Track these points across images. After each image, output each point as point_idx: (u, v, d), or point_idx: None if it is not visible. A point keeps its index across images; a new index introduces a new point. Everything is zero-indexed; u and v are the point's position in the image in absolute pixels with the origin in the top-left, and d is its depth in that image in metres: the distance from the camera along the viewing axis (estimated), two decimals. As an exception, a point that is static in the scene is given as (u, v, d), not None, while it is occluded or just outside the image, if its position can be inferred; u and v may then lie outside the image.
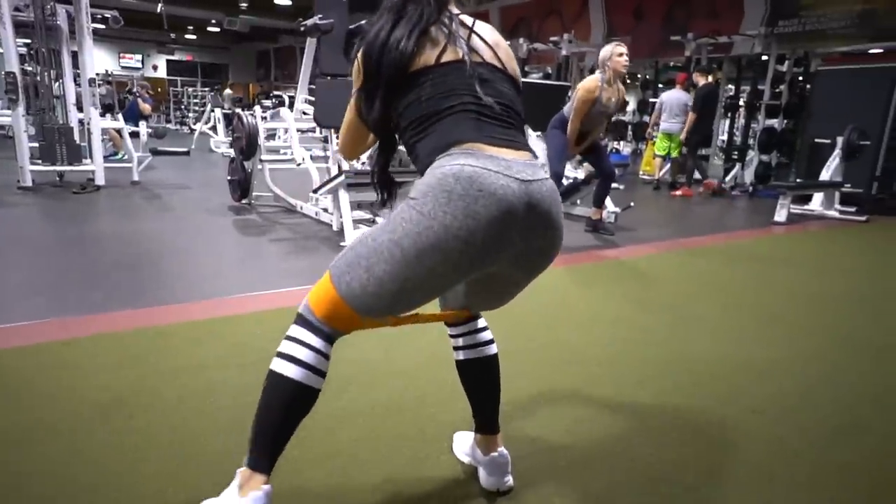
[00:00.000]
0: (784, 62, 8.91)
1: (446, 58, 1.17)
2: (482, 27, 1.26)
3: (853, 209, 6.70)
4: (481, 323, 1.48)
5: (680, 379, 2.16)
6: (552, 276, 3.49)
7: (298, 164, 4.89)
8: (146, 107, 10.11)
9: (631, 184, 8.97)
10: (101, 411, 1.75)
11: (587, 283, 3.50)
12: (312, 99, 4.90)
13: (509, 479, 1.45)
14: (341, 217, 4.23)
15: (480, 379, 1.47)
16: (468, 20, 1.25)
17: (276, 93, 16.93)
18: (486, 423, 1.46)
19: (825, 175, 6.88)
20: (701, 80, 8.13)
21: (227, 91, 16.53)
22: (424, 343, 2.32)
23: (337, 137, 4.92)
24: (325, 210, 4.79)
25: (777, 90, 9.03)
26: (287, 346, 1.20)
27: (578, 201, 5.98)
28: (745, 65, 10.13)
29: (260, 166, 5.40)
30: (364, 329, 1.26)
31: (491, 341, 1.47)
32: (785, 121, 8.99)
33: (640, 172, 10.54)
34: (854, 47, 9.39)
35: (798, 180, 7.24)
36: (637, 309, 2.98)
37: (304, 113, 5.33)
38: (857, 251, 4.86)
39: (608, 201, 5.59)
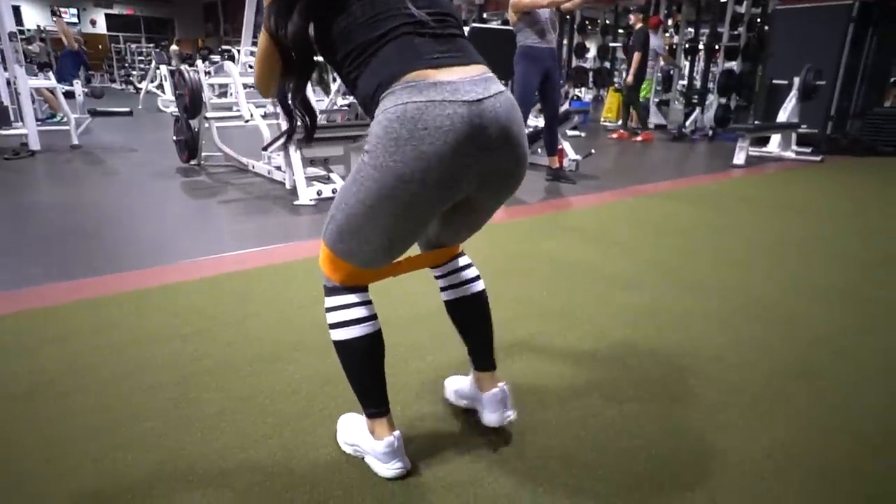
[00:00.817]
0: (743, 2, 8.83)
1: None
2: None
3: (809, 150, 6.77)
4: (464, 261, 1.48)
5: (642, 329, 2.13)
6: (512, 227, 3.44)
7: (247, 121, 4.66)
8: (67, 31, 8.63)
9: (593, 131, 8.90)
10: (28, 393, 1.62)
11: (547, 232, 3.45)
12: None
13: (510, 413, 1.45)
14: (294, 175, 4.06)
15: (469, 316, 1.47)
16: None
17: (224, 47, 16.16)
18: (483, 359, 1.47)
19: (782, 116, 6.91)
20: (638, 23, 7.99)
21: (174, 47, 15.72)
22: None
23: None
24: (278, 168, 4.60)
25: (736, 32, 8.97)
26: (334, 316, 1.27)
27: (539, 150, 5.88)
28: (705, 6, 10.02)
29: (207, 125, 5.14)
30: (379, 280, 1.30)
31: (476, 278, 1.47)
32: (744, 63, 8.97)
33: (602, 119, 10.48)
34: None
35: (756, 122, 7.26)
36: (597, 257, 2.94)
37: (251, 67, 5.05)
38: (813, 193, 4.91)
39: (569, 149, 5.52)
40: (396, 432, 1.31)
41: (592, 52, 13.19)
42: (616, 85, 10.77)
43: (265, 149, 4.46)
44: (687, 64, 10.64)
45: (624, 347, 1.98)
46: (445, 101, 1.03)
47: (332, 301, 1.28)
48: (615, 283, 2.58)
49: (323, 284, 1.30)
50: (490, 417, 1.45)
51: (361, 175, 1.09)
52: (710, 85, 9.30)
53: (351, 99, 6.91)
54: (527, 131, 5.07)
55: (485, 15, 12.45)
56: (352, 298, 1.27)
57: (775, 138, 6.85)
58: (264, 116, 5.01)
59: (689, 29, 10.45)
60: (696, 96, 9.42)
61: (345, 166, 4.40)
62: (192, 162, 5.27)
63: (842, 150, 7.09)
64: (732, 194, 4.71)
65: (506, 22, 12.90)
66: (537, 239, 3.29)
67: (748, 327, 2.16)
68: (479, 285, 1.47)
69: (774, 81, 7.59)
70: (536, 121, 5.77)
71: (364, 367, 1.30)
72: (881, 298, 2.48)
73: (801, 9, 7.67)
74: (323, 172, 4.36)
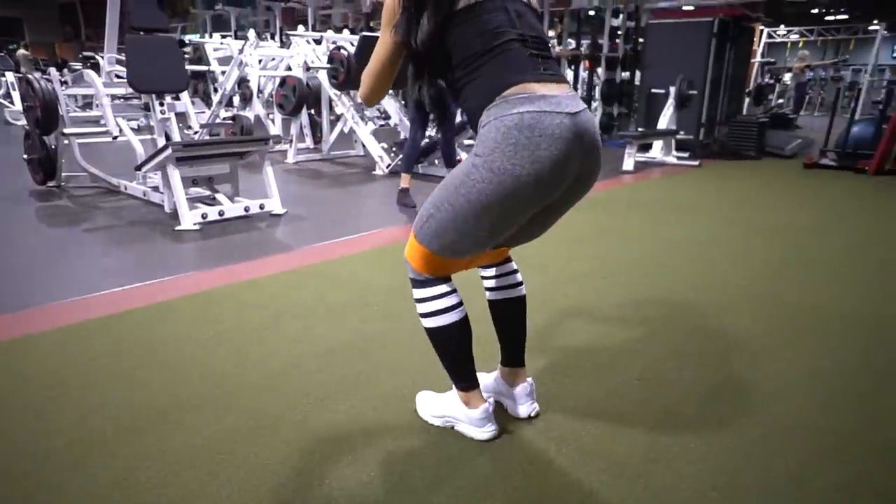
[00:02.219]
0: (619, 16, 9.29)
1: None
2: None
3: (687, 155, 7.20)
4: (513, 266, 1.65)
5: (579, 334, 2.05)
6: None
7: (115, 138, 4.16)
8: None
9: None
10: None
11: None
12: (123, 58, 4.15)
13: (536, 405, 1.66)
14: (174, 197, 3.65)
15: (511, 316, 1.63)
16: None
17: (86, 53, 14.75)
18: (515, 357, 1.65)
19: (662, 124, 7.30)
20: None
21: (22, 52, 14.12)
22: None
23: (160, 104, 4.26)
24: (156, 189, 4.14)
25: (615, 43, 9.42)
26: (428, 306, 1.43)
27: (437, 161, 5.80)
28: (584, 19, 10.47)
29: (66, 141, 4.54)
30: (457, 271, 1.45)
31: (521, 283, 1.64)
32: (623, 73, 9.45)
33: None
34: (671, 4, 10.07)
35: (640, 129, 7.62)
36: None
37: (118, 76, 4.54)
38: (696, 194, 5.18)
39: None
40: (491, 399, 1.56)
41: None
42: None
43: (139, 168, 4.00)
44: (571, 74, 11.04)
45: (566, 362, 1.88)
46: (554, 112, 1.21)
47: (423, 292, 1.44)
48: (533, 300, 2.49)
49: (411, 278, 1.46)
50: (521, 409, 1.64)
51: (473, 177, 1.24)
52: (594, 94, 9.70)
53: (235, 111, 6.49)
54: (423, 143, 4.99)
55: (372, 24, 12.26)
56: (443, 288, 1.43)
57: (657, 144, 7.23)
58: (136, 131, 4.51)
59: (571, 41, 10.86)
60: (581, 105, 9.75)
61: (232, 185, 4.04)
62: (50, 184, 4.65)
63: (714, 154, 7.62)
64: (628, 200, 4.85)
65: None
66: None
67: (635, 330, 2.15)
68: (524, 289, 1.65)
69: (653, 90, 8.02)
70: (433, 130, 5.67)
71: (458, 348, 1.47)
72: (771, 294, 2.57)
73: (670, 24, 8.19)
74: (207, 193, 3.98)
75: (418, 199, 4.39)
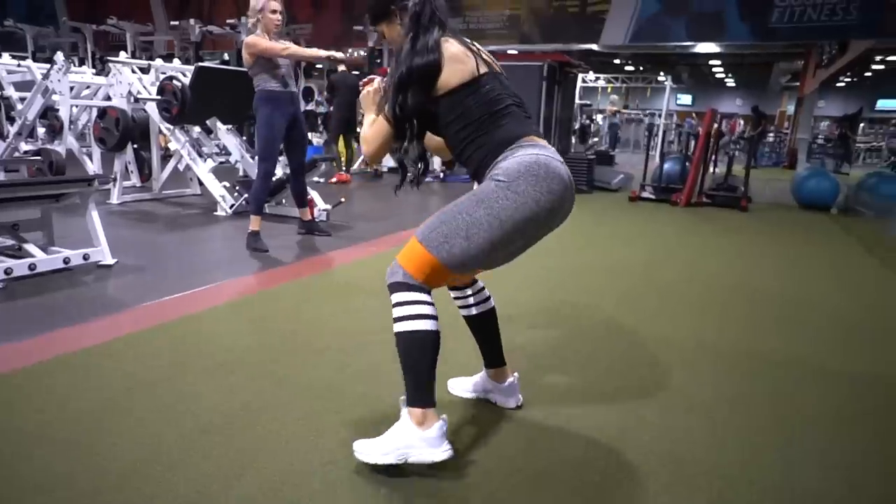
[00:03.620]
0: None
1: (482, 70, 1.56)
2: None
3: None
4: (482, 283, 1.87)
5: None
6: (278, 296, 2.98)
7: None
8: None
9: (329, 176, 8.71)
10: None
11: (320, 297, 3.09)
12: None
13: (520, 397, 1.94)
14: (-36, 251, 2.97)
15: (490, 326, 1.87)
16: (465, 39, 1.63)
17: None
18: (498, 358, 1.90)
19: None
20: (340, 67, 8.55)
21: None
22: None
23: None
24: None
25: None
26: (407, 309, 1.50)
27: (284, 201, 5.48)
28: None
29: None
30: (440, 286, 1.60)
31: (490, 296, 1.88)
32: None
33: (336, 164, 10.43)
34: (505, 46, 10.78)
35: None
36: (373, 321, 2.70)
37: None
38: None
39: (318, 199, 5.23)
40: (444, 416, 1.55)
41: (320, 97, 13.16)
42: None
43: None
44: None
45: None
46: (556, 159, 1.53)
47: (405, 296, 1.51)
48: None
49: (395, 281, 1.54)
50: (508, 402, 1.92)
51: (496, 195, 1.46)
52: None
53: (40, 145, 5.60)
54: (273, 180, 4.67)
55: (200, 53, 11.52)
56: (424, 297, 1.52)
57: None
58: None
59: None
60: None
61: (45, 233, 3.41)
62: None
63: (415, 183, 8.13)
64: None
65: (225, 62, 12.14)
66: (313, 307, 2.91)
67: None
68: (493, 302, 1.88)
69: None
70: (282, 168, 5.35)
71: (427, 358, 1.51)
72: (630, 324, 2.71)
73: (505, 66, 8.69)
74: (12, 242, 3.31)
75: (270, 241, 4.07)
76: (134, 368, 2.13)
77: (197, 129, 5.98)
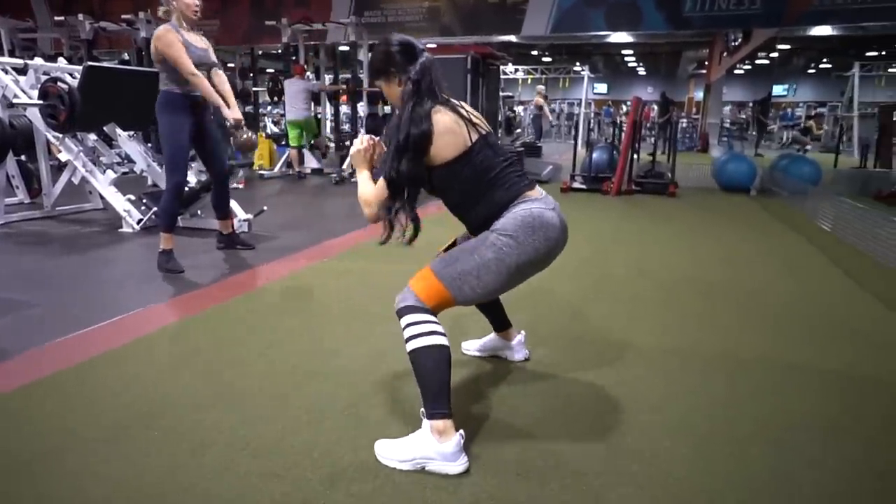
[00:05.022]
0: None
1: (474, 137, 1.71)
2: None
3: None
4: None
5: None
6: (205, 324, 2.55)
7: None
8: None
9: (250, 183, 8.19)
10: None
11: (242, 323, 2.72)
12: None
13: (527, 350, 2.29)
14: None
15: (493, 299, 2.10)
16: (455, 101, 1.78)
17: None
18: (504, 321, 2.24)
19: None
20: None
21: None
22: None
23: None
24: None
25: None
26: (419, 328, 1.64)
27: (200, 211, 5.00)
28: (340, 55, 10.35)
29: None
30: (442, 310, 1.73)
31: None
32: (385, 107, 9.48)
33: (256, 167, 9.85)
34: (425, 39, 10.52)
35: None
36: (314, 348, 2.39)
37: None
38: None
39: (238, 208, 4.79)
40: (461, 432, 1.61)
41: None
42: (267, 132, 10.31)
43: None
44: (331, 109, 10.79)
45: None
46: (550, 210, 1.74)
47: (416, 318, 1.66)
48: (373, 377, 2.06)
49: (406, 305, 1.68)
50: (518, 355, 2.26)
51: (501, 243, 1.67)
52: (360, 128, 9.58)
53: None
54: (187, 189, 4.21)
55: (95, 52, 10.56)
56: (434, 318, 1.68)
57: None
58: None
59: (329, 75, 10.65)
60: (348, 140, 9.57)
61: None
62: None
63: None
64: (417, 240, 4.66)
65: (124, 62, 11.22)
66: (241, 336, 2.55)
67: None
68: None
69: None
70: (195, 176, 4.87)
71: (441, 371, 1.62)
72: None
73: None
74: None
75: (186, 260, 3.63)
76: (7, 443, 1.72)
77: (93, 136, 5.36)
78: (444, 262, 1.72)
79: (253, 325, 2.69)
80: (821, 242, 4.63)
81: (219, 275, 3.58)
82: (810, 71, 26.45)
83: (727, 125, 18.12)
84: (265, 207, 5.01)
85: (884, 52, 21.10)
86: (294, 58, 9.71)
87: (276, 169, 9.34)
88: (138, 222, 4.69)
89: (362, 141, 1.84)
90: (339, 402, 1.97)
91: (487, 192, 1.72)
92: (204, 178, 4.79)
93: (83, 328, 2.59)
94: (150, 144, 5.73)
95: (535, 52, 23.00)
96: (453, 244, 1.91)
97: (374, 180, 1.77)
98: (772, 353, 2.46)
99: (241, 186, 7.50)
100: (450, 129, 1.67)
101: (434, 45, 10.11)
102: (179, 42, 3.44)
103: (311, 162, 9.77)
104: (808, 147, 14.05)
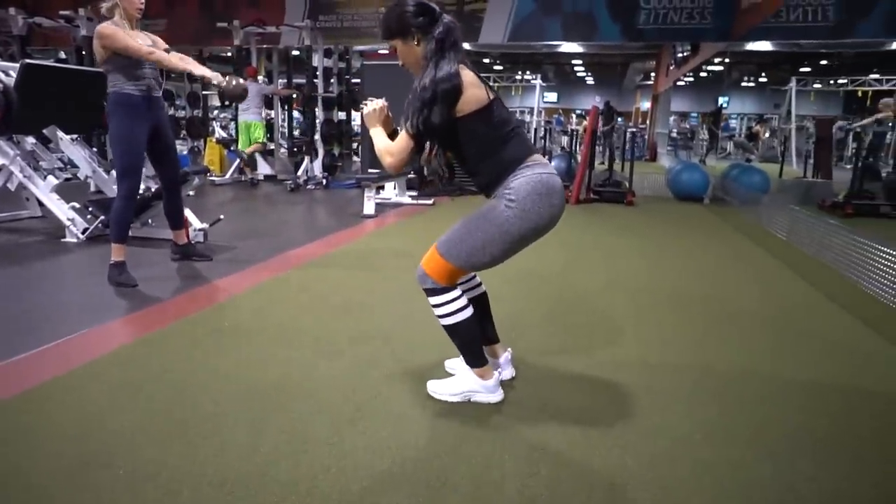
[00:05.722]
0: (331, 56, 9.13)
1: (491, 95, 1.84)
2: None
3: (416, 194, 7.29)
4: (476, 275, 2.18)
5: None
6: (161, 344, 2.32)
7: None
8: None
9: (202, 189, 7.84)
10: None
11: (204, 345, 2.53)
12: None
13: (514, 370, 2.26)
14: None
15: (485, 306, 2.17)
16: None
17: None
18: (493, 335, 2.22)
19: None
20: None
21: None
22: None
23: None
24: None
25: (330, 83, 9.21)
26: (448, 307, 1.89)
27: (151, 220, 4.73)
28: (294, 60, 10.07)
29: None
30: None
31: (482, 283, 2.19)
32: (341, 113, 9.29)
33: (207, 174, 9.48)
34: (382, 45, 10.38)
35: (372, 171, 7.49)
36: (298, 370, 2.24)
37: None
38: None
39: (193, 217, 4.55)
40: (498, 369, 2.07)
41: (181, 101, 11.95)
42: (217, 136, 9.95)
43: None
44: (286, 113, 10.52)
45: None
46: (554, 175, 1.88)
47: (441, 298, 1.89)
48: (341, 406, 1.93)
49: (430, 287, 1.90)
50: (507, 373, 2.21)
51: (506, 214, 1.80)
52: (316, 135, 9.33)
53: None
54: (138, 198, 3.94)
55: (28, 48, 9.94)
56: (456, 292, 1.91)
57: (389, 185, 7.17)
58: None
59: (283, 80, 10.36)
60: (303, 146, 9.32)
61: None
62: None
63: (440, 192, 7.88)
64: (384, 249, 4.55)
65: (62, 61, 10.63)
66: (203, 359, 2.37)
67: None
68: (484, 287, 2.19)
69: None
70: (145, 182, 4.59)
71: (474, 334, 1.97)
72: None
73: (385, 65, 8.31)
74: None
75: (140, 272, 3.39)
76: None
77: (31, 139, 5.00)
78: (450, 243, 1.86)
79: (217, 345, 2.51)
80: (779, 252, 4.75)
81: (176, 289, 3.36)
82: (749, 84, 27.63)
83: (674, 135, 18.73)
84: (221, 216, 4.77)
85: (810, 70, 22.28)
86: (248, 62, 9.41)
87: (228, 175, 9.02)
88: (83, 232, 4.39)
89: (375, 101, 1.98)
90: (320, 427, 1.83)
91: (501, 147, 1.85)
92: (155, 185, 4.52)
93: (24, 352, 2.34)
94: (94, 149, 5.39)
95: (486, 61, 23.16)
96: (394, 132, 1.98)
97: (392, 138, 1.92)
98: (750, 365, 2.46)
99: (191, 194, 7.19)
100: (475, 83, 1.80)
101: (385, 51, 10.00)
102: (124, 32, 3.22)
103: (263, 168, 9.48)
104: (753, 156, 14.61)
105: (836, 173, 10.02)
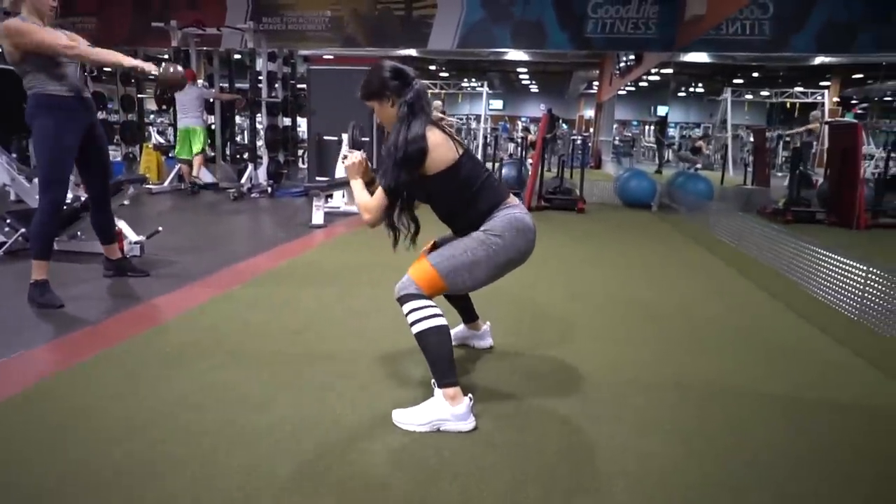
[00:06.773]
0: (275, 60, 8.81)
1: (460, 151, 2.00)
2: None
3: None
4: None
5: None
6: (91, 378, 2.07)
7: None
8: None
9: (138, 198, 7.40)
10: None
11: (141, 375, 2.29)
12: None
13: (491, 340, 2.60)
14: None
15: (464, 297, 2.46)
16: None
17: None
18: (473, 314, 2.53)
19: (340, 172, 7.05)
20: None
21: None
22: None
23: None
24: None
25: (275, 88, 8.89)
26: (422, 313, 1.90)
27: (80, 233, 4.36)
28: (237, 63, 9.71)
29: None
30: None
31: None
32: (286, 119, 8.98)
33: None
34: (328, 49, 10.14)
35: (321, 179, 7.25)
36: (256, 390, 2.03)
37: None
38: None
39: (128, 229, 4.23)
40: (470, 395, 1.92)
41: (114, 104, 11.31)
42: (154, 142, 9.46)
43: None
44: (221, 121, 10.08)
45: None
46: (527, 215, 2.06)
47: (419, 303, 1.91)
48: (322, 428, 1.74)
49: (408, 293, 1.93)
50: (483, 343, 2.58)
51: (490, 242, 1.95)
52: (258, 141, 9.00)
53: None
54: (65, 209, 3.61)
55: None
56: (431, 302, 1.94)
57: (338, 194, 6.95)
58: None
59: (224, 84, 9.96)
60: (247, 152, 8.97)
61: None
62: None
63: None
64: (335, 262, 4.34)
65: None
66: (142, 393, 2.12)
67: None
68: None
69: (325, 137, 7.75)
70: (74, 191, 4.23)
71: (445, 345, 1.91)
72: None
73: (333, 70, 8.09)
74: None
75: (66, 291, 3.08)
76: None
77: (-60, 145, 4.54)
78: (441, 257, 1.96)
79: (158, 374, 2.26)
80: (732, 260, 4.80)
81: (107, 310, 3.06)
82: (683, 95, 28.63)
83: (617, 142, 19.13)
84: (160, 228, 4.44)
85: (743, 81, 23.30)
86: (186, 65, 8.97)
87: (166, 183, 8.56)
88: (0, 247, 3.99)
89: (355, 155, 2.12)
90: (279, 468, 1.64)
91: (474, 198, 2.00)
92: (82, 196, 4.17)
93: (-70, 388, 2.05)
94: (13, 155, 4.96)
95: (433, 67, 23.11)
96: (434, 246, 2.17)
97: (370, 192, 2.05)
98: (719, 377, 2.41)
99: (126, 203, 6.76)
100: (441, 144, 1.94)
101: (331, 57, 9.77)
102: (35, 25, 2.91)
103: (205, 176, 9.05)
104: (698, 166, 15.09)
105: (771, 181, 10.43)
